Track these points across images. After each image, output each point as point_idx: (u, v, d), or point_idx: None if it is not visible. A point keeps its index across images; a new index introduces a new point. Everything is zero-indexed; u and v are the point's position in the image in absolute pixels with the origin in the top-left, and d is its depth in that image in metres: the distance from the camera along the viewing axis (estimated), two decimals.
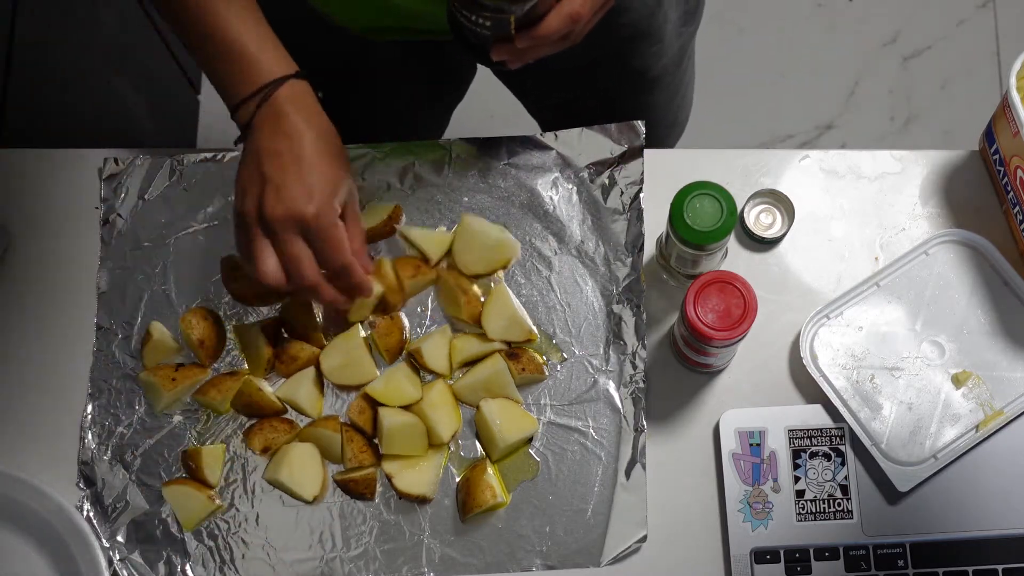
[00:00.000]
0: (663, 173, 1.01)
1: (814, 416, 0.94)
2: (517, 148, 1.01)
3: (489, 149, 1.01)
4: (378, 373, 0.97)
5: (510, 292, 0.97)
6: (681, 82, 1.21)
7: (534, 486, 0.94)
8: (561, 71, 1.08)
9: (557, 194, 1.00)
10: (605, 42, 1.04)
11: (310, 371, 0.96)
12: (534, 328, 0.97)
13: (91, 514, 0.94)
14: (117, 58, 1.58)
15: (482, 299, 0.97)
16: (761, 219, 0.99)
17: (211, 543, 0.94)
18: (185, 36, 0.86)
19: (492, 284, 0.98)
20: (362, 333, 0.97)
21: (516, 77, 1.18)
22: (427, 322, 0.98)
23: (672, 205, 0.89)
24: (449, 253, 0.99)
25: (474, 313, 0.96)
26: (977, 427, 0.93)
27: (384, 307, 0.97)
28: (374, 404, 0.95)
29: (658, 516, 0.93)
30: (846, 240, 1.00)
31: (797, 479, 0.93)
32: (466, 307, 0.96)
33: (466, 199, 1.00)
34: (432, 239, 0.99)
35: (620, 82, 1.10)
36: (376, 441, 0.95)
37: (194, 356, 0.98)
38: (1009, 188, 0.97)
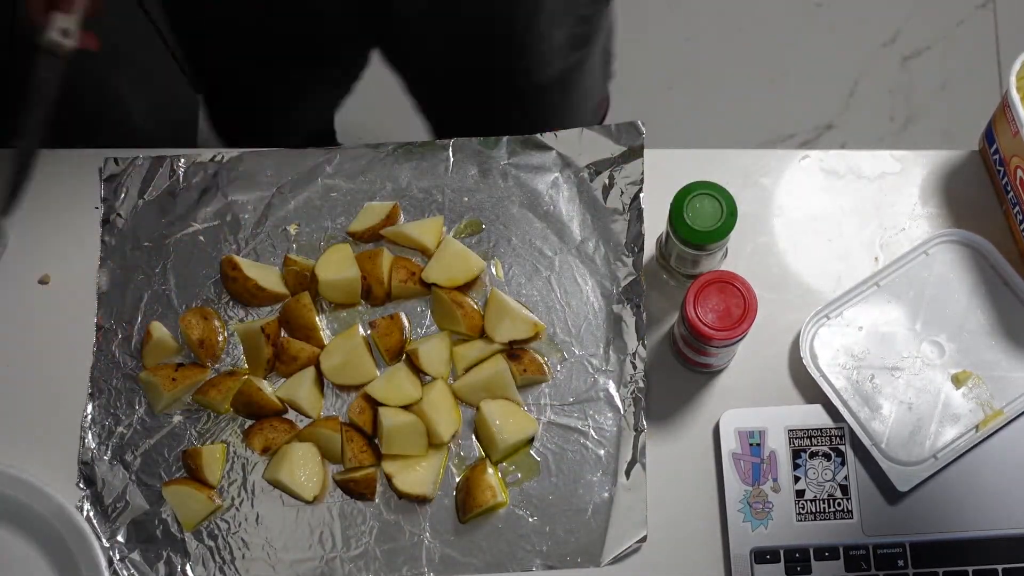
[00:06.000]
0: (663, 173, 1.01)
1: (814, 416, 0.94)
2: (517, 148, 1.01)
3: (489, 149, 1.01)
4: (378, 373, 0.97)
5: (504, 294, 0.97)
6: (565, 105, 1.21)
7: (534, 486, 0.94)
8: (444, 77, 1.13)
9: (557, 194, 1.00)
10: (475, 51, 1.06)
11: (310, 371, 0.96)
12: (538, 320, 0.97)
13: (91, 514, 0.94)
14: (117, 58, 1.58)
15: (477, 309, 0.97)
16: None
17: (211, 543, 0.94)
18: None
19: (486, 294, 0.98)
20: (362, 333, 0.97)
21: (411, 77, 1.23)
22: (427, 322, 0.98)
23: (672, 205, 0.89)
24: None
25: (474, 325, 0.96)
26: (977, 427, 0.93)
27: (369, 295, 0.98)
28: (374, 404, 0.95)
29: (658, 516, 0.93)
30: (846, 240, 1.00)
31: (797, 479, 0.93)
32: (464, 320, 0.96)
33: (466, 199, 1.00)
34: (423, 226, 0.99)
35: (492, 92, 1.12)
36: (376, 441, 0.95)
37: (194, 356, 0.98)
38: (1009, 188, 0.97)
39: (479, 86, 1.13)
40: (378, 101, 1.52)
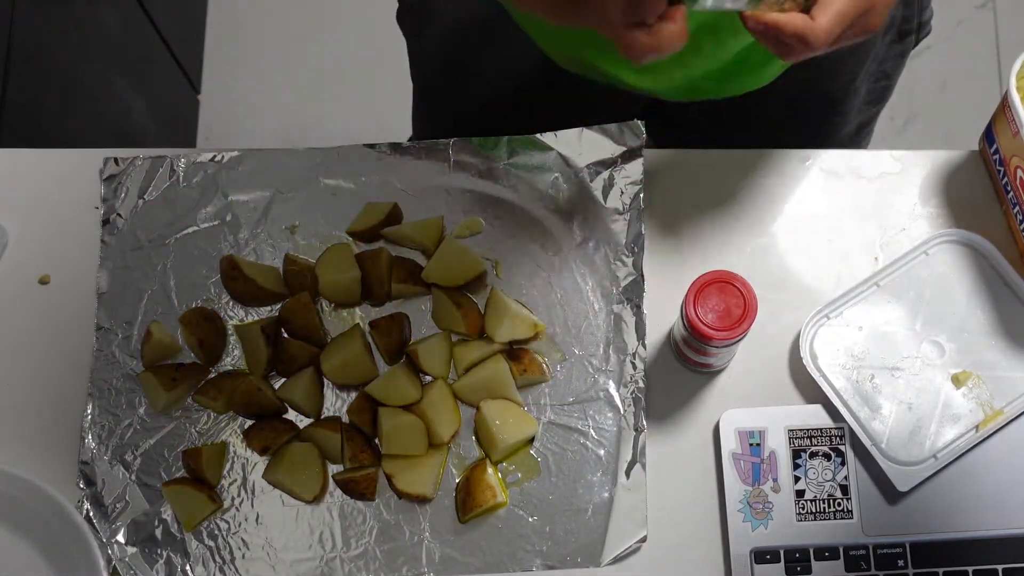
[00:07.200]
0: (663, 173, 1.01)
1: (814, 416, 0.94)
2: (517, 148, 1.01)
3: (489, 149, 1.01)
4: (378, 373, 0.97)
5: (504, 294, 0.97)
6: None
7: (534, 486, 0.94)
8: (736, 127, 1.08)
9: (557, 194, 1.00)
10: (792, 104, 1.04)
11: (310, 371, 0.96)
12: (538, 320, 0.97)
13: (91, 514, 0.94)
14: (117, 58, 1.58)
15: (477, 309, 0.97)
16: None
17: (211, 543, 0.94)
18: None
19: (486, 294, 0.98)
20: (362, 332, 0.97)
21: (689, 127, 1.15)
22: (427, 322, 0.98)
23: None
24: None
25: (474, 325, 0.96)
26: (977, 427, 0.93)
27: (369, 295, 0.98)
28: (374, 404, 0.95)
29: (658, 516, 0.93)
30: (846, 240, 1.00)
31: (797, 479, 0.93)
32: (464, 320, 0.96)
33: (466, 199, 1.00)
34: (423, 226, 0.99)
35: (791, 145, 1.09)
36: (376, 441, 0.95)
37: (194, 356, 0.98)
38: (1009, 188, 0.97)
39: (771, 141, 1.04)
40: (379, 101, 1.53)
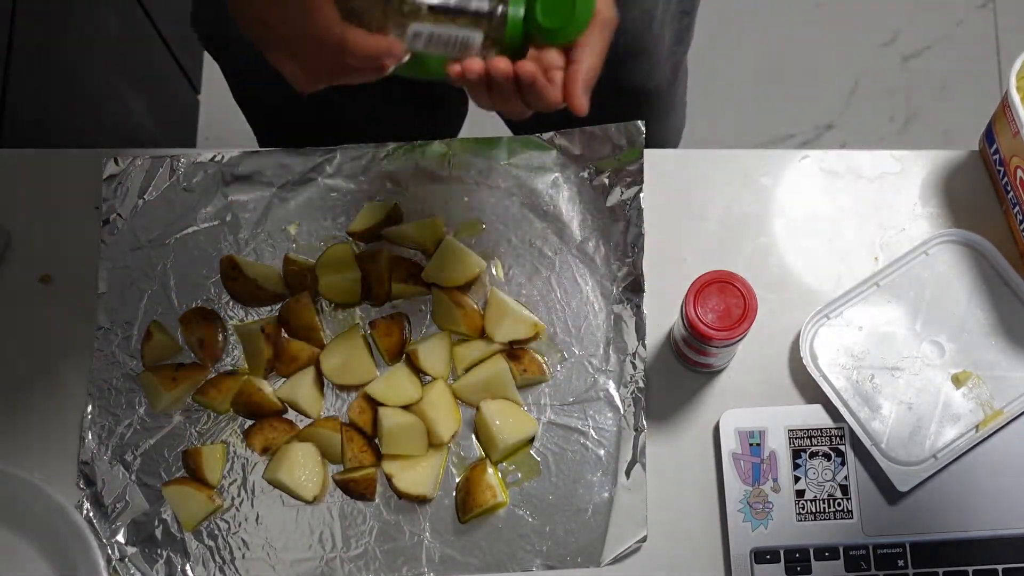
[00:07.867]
0: (663, 173, 1.01)
1: (814, 416, 0.94)
2: (517, 148, 1.01)
3: (489, 149, 1.01)
4: (378, 373, 0.97)
5: (504, 294, 0.97)
6: (672, 101, 1.21)
7: (534, 486, 0.94)
8: None
9: (557, 194, 1.00)
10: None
11: (310, 371, 0.96)
12: (538, 320, 0.97)
13: (91, 514, 0.94)
14: (117, 58, 1.58)
15: (477, 309, 0.97)
16: None
17: (211, 543, 0.94)
18: None
19: (486, 294, 0.98)
20: (362, 332, 0.97)
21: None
22: (427, 322, 0.98)
23: None
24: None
25: (474, 325, 0.96)
26: (977, 427, 0.93)
27: (369, 293, 0.98)
28: (374, 404, 0.95)
29: (658, 516, 0.93)
30: (846, 240, 1.00)
31: (797, 479, 0.93)
32: (464, 320, 0.96)
33: (466, 199, 1.00)
34: (423, 226, 0.99)
35: (610, 101, 1.09)
36: (376, 441, 0.95)
37: (194, 356, 0.98)
38: (1009, 188, 0.97)
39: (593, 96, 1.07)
40: None
